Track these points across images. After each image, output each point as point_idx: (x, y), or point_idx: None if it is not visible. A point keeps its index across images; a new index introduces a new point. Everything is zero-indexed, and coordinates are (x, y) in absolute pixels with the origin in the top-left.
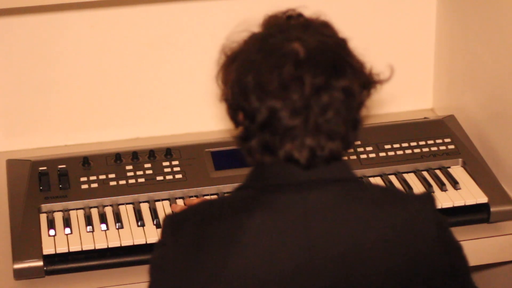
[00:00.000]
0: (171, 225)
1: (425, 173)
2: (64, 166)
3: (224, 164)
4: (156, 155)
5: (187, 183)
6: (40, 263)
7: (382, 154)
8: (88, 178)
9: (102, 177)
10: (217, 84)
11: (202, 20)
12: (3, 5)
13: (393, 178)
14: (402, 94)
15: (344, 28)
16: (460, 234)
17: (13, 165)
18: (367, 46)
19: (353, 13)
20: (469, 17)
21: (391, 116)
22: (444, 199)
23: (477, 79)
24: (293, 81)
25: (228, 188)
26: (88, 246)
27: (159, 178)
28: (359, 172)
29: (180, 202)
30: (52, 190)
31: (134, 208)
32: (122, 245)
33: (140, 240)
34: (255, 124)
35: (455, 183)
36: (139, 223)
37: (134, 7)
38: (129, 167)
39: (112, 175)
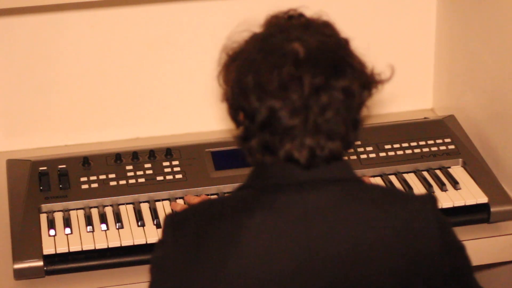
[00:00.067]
0: (171, 225)
1: (425, 173)
2: (64, 166)
3: (224, 164)
4: (156, 155)
5: (187, 183)
6: (40, 263)
7: (382, 154)
8: (88, 178)
9: (102, 177)
10: (219, 84)
11: (202, 20)
12: (3, 5)
13: (393, 178)
14: (402, 94)
15: (344, 28)
16: (460, 234)
17: (13, 165)
18: (367, 46)
19: (353, 13)
20: (469, 17)
21: (391, 116)
22: (444, 199)
23: (477, 79)
24: (292, 81)
25: (228, 188)
26: (88, 246)
27: (159, 178)
28: (359, 172)
29: (180, 201)
30: (52, 190)
31: (134, 208)
32: (122, 245)
33: (140, 240)
34: (255, 124)
35: (455, 183)
36: (139, 223)
37: (134, 7)
38: (129, 167)
39: (112, 175)
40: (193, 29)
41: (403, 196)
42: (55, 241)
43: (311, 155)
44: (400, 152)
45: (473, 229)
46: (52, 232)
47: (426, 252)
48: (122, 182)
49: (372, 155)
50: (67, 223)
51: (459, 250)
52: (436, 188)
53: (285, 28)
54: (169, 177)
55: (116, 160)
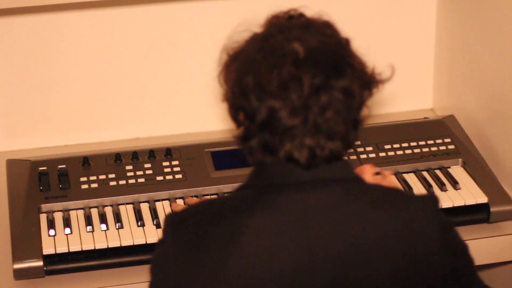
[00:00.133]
0: (171, 225)
1: (425, 173)
2: (64, 166)
3: (224, 164)
4: (156, 155)
5: (187, 183)
6: (40, 263)
7: (382, 154)
8: (88, 178)
9: (102, 177)
10: (219, 83)
11: (202, 20)
12: (3, 5)
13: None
14: (402, 94)
15: (344, 28)
16: (460, 234)
17: (13, 165)
18: (367, 46)
19: (353, 13)
20: (469, 17)
21: (391, 116)
22: (444, 199)
23: (477, 79)
24: (292, 81)
25: (228, 188)
26: (88, 246)
27: (159, 178)
28: None
29: (180, 202)
30: (52, 190)
31: (134, 208)
32: (122, 245)
33: (140, 240)
34: (255, 124)
35: (455, 183)
36: (139, 223)
37: (134, 7)
38: (129, 167)
39: (112, 175)
40: (193, 29)
41: (403, 196)
42: (55, 241)
43: (311, 155)
44: (400, 152)
45: (473, 229)
46: (52, 232)
47: (426, 252)
48: (122, 182)
49: (372, 155)
50: (67, 223)
51: (461, 250)
52: (436, 188)
53: (285, 28)
54: (169, 177)
55: (116, 160)
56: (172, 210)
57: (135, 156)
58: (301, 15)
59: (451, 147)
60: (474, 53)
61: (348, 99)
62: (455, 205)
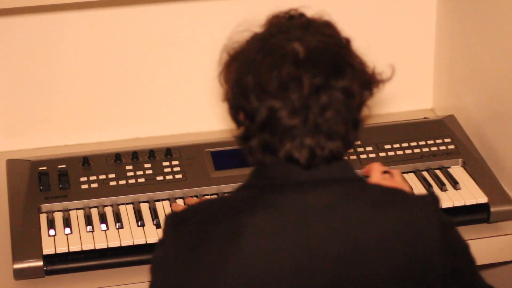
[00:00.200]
0: (171, 225)
1: (425, 173)
2: (64, 166)
3: (224, 164)
4: (156, 155)
5: (187, 183)
6: (40, 263)
7: (382, 154)
8: (88, 178)
9: (102, 177)
10: (220, 83)
11: (202, 20)
12: (3, 5)
13: None
14: (402, 94)
15: (344, 28)
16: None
17: (13, 165)
18: (367, 46)
19: (354, 13)
20: (469, 17)
21: (391, 116)
22: (444, 199)
23: (477, 79)
24: (292, 81)
25: (228, 188)
26: (88, 246)
27: (159, 178)
28: (359, 172)
29: (180, 202)
30: (52, 190)
31: (134, 208)
32: (122, 245)
33: (140, 240)
34: (255, 124)
35: (455, 183)
36: (139, 223)
37: (134, 7)
38: (129, 167)
39: (112, 175)
40: (193, 29)
41: (403, 196)
42: (55, 241)
43: (311, 155)
44: (400, 152)
45: (473, 229)
46: (52, 232)
47: (426, 252)
48: (122, 182)
49: (372, 155)
50: (67, 223)
51: (461, 250)
52: (436, 188)
53: (285, 28)
54: (169, 177)
55: (116, 160)
56: (172, 210)
57: (135, 156)
58: (301, 15)
59: (451, 147)
60: (474, 53)
61: (348, 99)
62: (455, 205)
